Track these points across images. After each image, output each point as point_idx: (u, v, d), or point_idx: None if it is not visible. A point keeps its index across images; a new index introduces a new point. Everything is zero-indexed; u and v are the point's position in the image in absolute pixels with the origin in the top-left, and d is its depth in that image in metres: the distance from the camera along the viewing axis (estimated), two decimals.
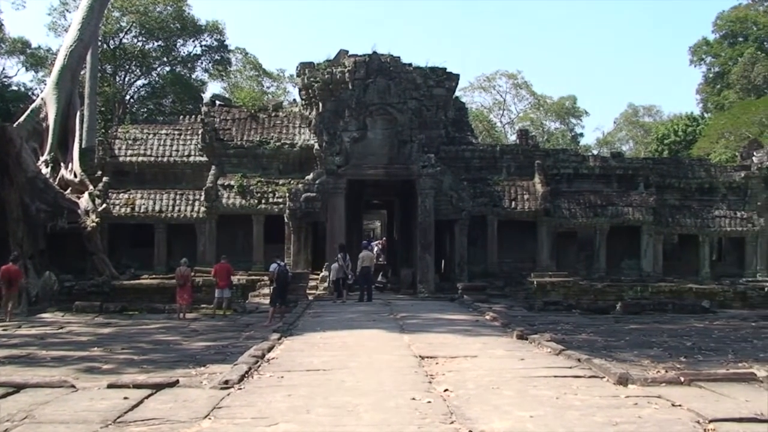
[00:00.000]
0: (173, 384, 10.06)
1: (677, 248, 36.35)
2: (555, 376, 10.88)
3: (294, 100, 44.87)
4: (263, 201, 33.26)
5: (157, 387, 9.81)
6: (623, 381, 10.16)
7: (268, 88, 69.02)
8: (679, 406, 8.71)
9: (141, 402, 8.98)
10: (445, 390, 9.82)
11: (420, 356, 13.06)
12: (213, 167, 34.04)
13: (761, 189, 36.00)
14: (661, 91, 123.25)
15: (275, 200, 33.09)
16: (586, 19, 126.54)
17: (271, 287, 23.41)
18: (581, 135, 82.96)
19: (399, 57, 31.89)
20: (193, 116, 38.64)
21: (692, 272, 34.55)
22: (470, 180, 33.68)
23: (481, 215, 33.07)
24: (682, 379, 10.31)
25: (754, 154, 39.17)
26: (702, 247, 35.24)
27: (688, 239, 35.75)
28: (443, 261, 33.89)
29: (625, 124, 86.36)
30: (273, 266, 23.28)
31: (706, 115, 71.19)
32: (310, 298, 27.47)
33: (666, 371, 11.97)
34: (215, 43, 58.76)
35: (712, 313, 26.44)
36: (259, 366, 11.94)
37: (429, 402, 9.04)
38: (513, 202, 33.73)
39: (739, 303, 29.50)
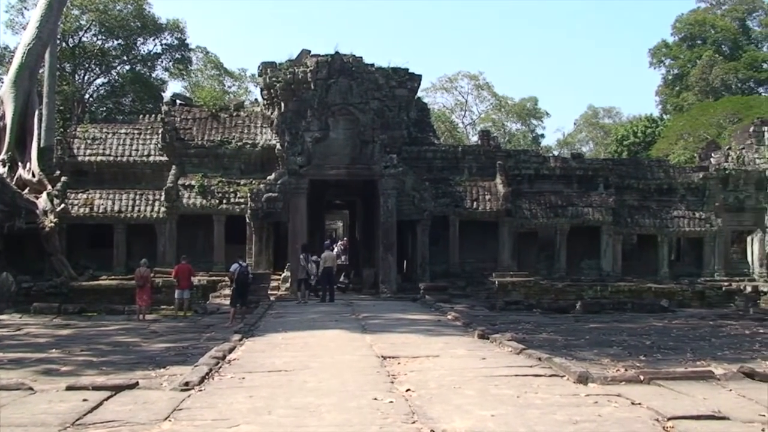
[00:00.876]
0: (133, 386, 9.96)
1: (636, 248, 36.77)
2: (516, 375, 10.94)
3: (256, 99, 44.67)
4: (224, 201, 33.03)
5: (117, 389, 9.70)
6: (583, 380, 10.25)
7: (229, 87, 68.63)
8: (639, 404, 8.80)
9: (100, 404, 8.88)
10: (407, 390, 9.83)
11: (382, 356, 13.07)
12: (173, 167, 33.74)
13: (719, 190, 36.54)
14: (620, 93, 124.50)
15: (236, 200, 32.88)
16: (547, 21, 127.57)
17: (232, 288, 23.30)
18: (542, 136, 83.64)
19: (361, 57, 31.86)
20: (154, 115, 38.28)
21: (651, 272, 34.96)
22: (432, 180, 33.75)
23: (443, 215, 33.16)
24: (642, 377, 10.42)
25: (712, 155, 39.76)
26: (661, 247, 35.67)
27: (647, 239, 36.17)
28: (405, 261, 33.92)
29: (586, 125, 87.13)
30: (234, 267, 23.18)
31: (665, 116, 72.09)
32: (272, 298, 27.37)
33: (625, 370, 12.10)
34: (176, 42, 58.25)
35: (671, 312, 26.79)
36: (220, 367, 11.87)
37: (391, 402, 9.05)
38: (475, 203, 33.86)
39: (698, 302, 29.93)
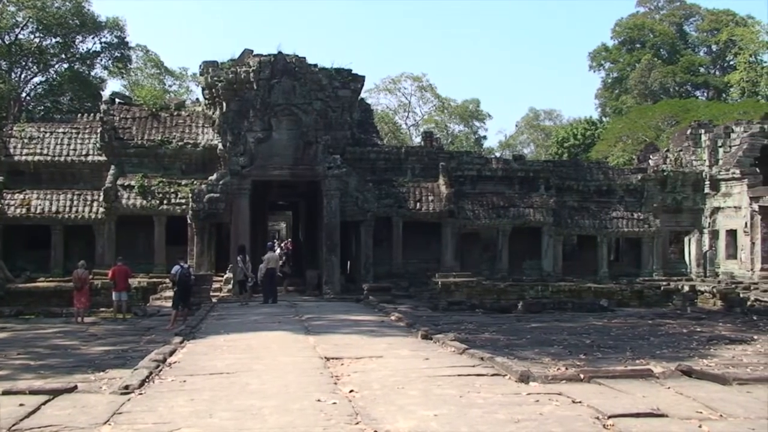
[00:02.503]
0: (71, 389, 9.78)
1: (577, 248, 37.28)
2: (459, 375, 10.99)
3: (197, 99, 44.22)
4: (165, 202, 32.62)
5: (55, 393, 9.52)
6: (525, 379, 10.33)
7: (170, 86, 67.76)
8: (579, 402, 8.91)
9: (38, 408, 8.69)
10: (351, 391, 9.82)
11: (325, 357, 13.03)
12: (112, 167, 33.21)
13: (657, 191, 37.23)
14: (561, 96, 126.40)
15: (177, 201, 32.49)
16: (490, 24, 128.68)
17: (174, 290, 23.06)
18: (484, 138, 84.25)
19: (304, 58, 31.74)
20: (92, 114, 37.57)
21: (591, 272, 35.47)
22: (376, 181, 33.78)
23: (387, 216, 33.21)
24: (582, 376, 10.55)
25: (650, 157, 40.57)
26: (600, 247, 36.21)
27: (587, 240, 36.69)
28: (349, 262, 33.90)
29: (527, 127, 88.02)
30: (175, 268, 22.92)
31: (604, 119, 73.23)
32: (214, 300, 27.10)
33: (566, 369, 12.24)
34: (115, 40, 57.28)
35: (611, 311, 27.19)
36: (161, 370, 11.71)
37: (334, 403, 9.03)
38: (418, 204, 33.97)
39: (636, 301, 30.41)
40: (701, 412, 8.48)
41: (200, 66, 33.81)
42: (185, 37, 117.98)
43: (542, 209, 35.01)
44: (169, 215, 32.49)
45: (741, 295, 29.07)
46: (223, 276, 30.22)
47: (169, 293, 25.65)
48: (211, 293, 28.01)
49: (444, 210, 33.65)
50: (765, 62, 66.01)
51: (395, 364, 12.32)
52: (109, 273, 26.28)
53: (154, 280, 30.44)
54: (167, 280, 27.40)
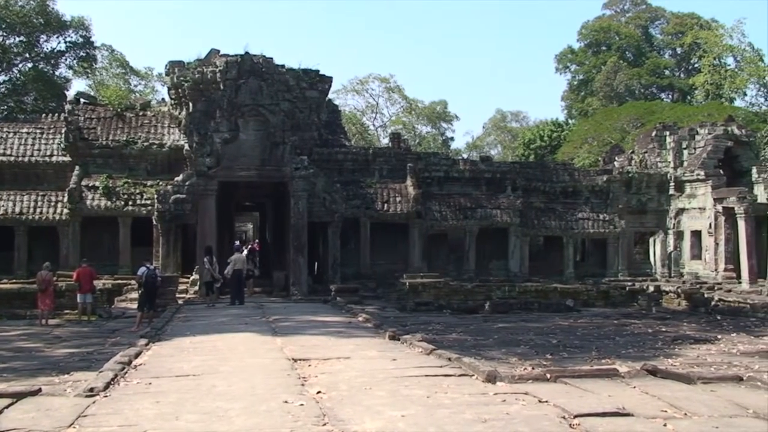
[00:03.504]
0: (35, 392, 9.68)
1: (543, 249, 37.51)
2: (426, 376, 11.01)
3: (163, 99, 43.88)
4: (130, 203, 32.34)
5: (19, 396, 9.42)
6: (492, 379, 10.37)
7: (135, 86, 67.08)
8: (546, 402, 8.96)
9: (1, 412, 8.58)
10: (318, 392, 9.80)
11: (293, 359, 12.99)
12: (77, 168, 32.88)
13: (622, 192, 37.58)
14: (528, 98, 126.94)
15: (143, 202, 32.23)
16: (457, 25, 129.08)
17: (139, 291, 22.85)
18: (452, 139, 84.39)
19: (272, 58, 31.61)
20: (57, 114, 37.18)
21: (557, 272, 35.70)
22: (343, 182, 33.76)
23: (354, 217, 33.20)
24: (548, 375, 10.61)
25: (616, 158, 40.94)
26: (566, 248, 36.48)
27: (553, 240, 36.93)
28: (316, 263, 33.83)
29: (494, 128, 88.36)
30: (141, 270, 22.71)
31: (570, 121, 73.69)
32: (180, 302, 26.90)
33: (533, 368, 12.30)
34: (80, 40, 56.67)
35: (576, 311, 27.36)
36: (126, 373, 11.61)
37: (302, 404, 9.00)
38: (385, 205, 34.00)
39: (602, 301, 30.58)
40: (666, 411, 8.56)
41: (166, 66, 33.52)
42: (151, 37, 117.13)
43: (509, 210, 35.20)
44: (135, 216, 32.21)
45: (705, 296, 29.37)
46: (189, 277, 30.02)
47: (135, 295, 25.42)
48: (177, 295, 27.80)
49: (411, 211, 33.70)
50: (729, 65, 66.84)
51: (363, 365, 12.30)
52: (74, 275, 25.94)
53: (120, 281, 30.11)
54: (133, 282, 27.13)
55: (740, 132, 37.86)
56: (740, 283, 32.77)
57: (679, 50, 75.87)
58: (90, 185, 32.47)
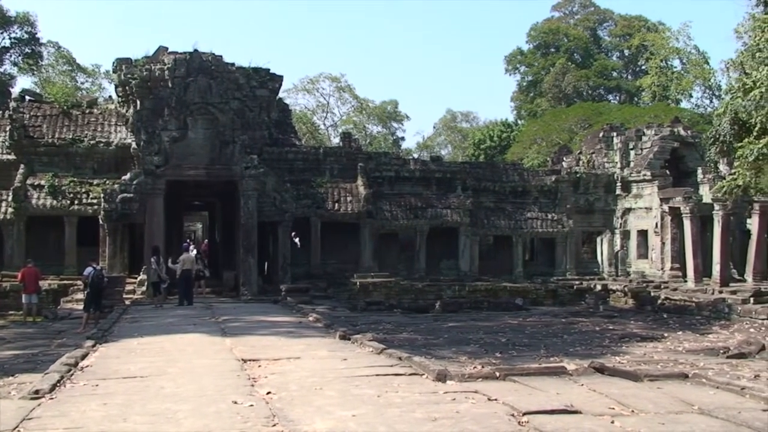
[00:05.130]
0: None
1: (492, 248, 37.75)
2: (377, 375, 11.00)
3: (110, 97, 43.31)
4: (76, 202, 31.81)
5: None
6: (442, 377, 10.40)
7: (82, 83, 66.10)
8: (495, 400, 9.00)
9: None
10: (268, 393, 9.73)
11: (242, 359, 12.89)
12: (22, 166, 32.25)
13: (570, 192, 38.01)
14: (478, 98, 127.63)
15: (89, 201, 31.72)
16: (408, 25, 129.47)
17: (85, 292, 22.52)
18: (402, 139, 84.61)
19: (221, 56, 31.37)
20: (1, 112, 36.44)
21: (507, 271, 35.98)
22: (294, 182, 33.62)
23: (305, 217, 33.09)
24: (498, 374, 10.67)
25: (564, 159, 41.40)
26: (515, 247, 36.78)
27: (503, 240, 37.20)
28: (267, 263, 33.63)
29: (444, 129, 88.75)
30: (88, 270, 22.41)
31: (519, 121, 74.35)
32: (128, 302, 26.53)
33: (482, 367, 12.36)
34: (26, 36, 55.74)
35: (525, 310, 27.61)
36: (72, 374, 11.42)
37: (251, 405, 8.93)
38: (336, 204, 33.94)
39: (550, 300, 30.93)
40: (614, 408, 8.66)
41: (114, 63, 33.06)
42: (98, 34, 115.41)
43: (459, 210, 35.37)
44: (81, 216, 31.69)
45: (652, 294, 29.84)
46: (136, 278, 29.64)
47: (81, 296, 25.01)
48: (125, 295, 27.41)
49: (362, 211, 33.70)
50: (675, 67, 68.00)
51: (313, 365, 12.26)
52: (19, 275, 25.52)
53: (65, 282, 29.64)
54: (79, 283, 26.75)
55: (686, 133, 38.53)
56: (686, 281, 33.34)
57: (626, 52, 77.06)
58: (35, 184, 31.89)
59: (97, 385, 10.49)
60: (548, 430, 7.63)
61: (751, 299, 25.69)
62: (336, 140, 65.98)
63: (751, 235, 33.47)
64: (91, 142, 32.94)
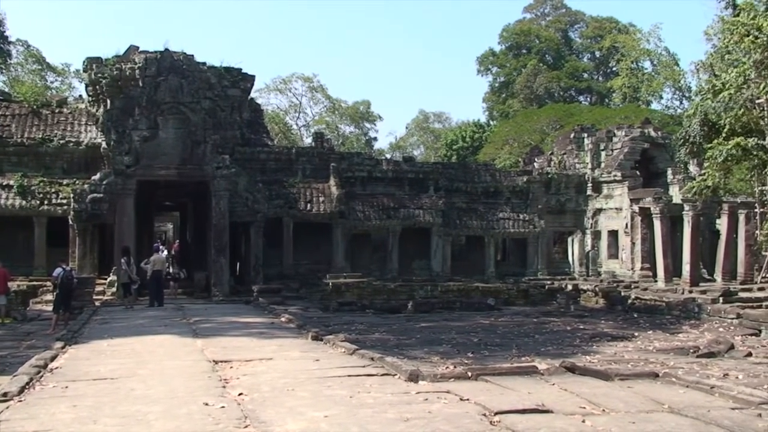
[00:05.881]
0: None
1: (465, 249, 37.87)
2: (349, 376, 10.99)
3: (80, 96, 42.85)
4: (46, 202, 31.49)
5: None
6: (414, 378, 10.40)
7: (51, 83, 65.40)
8: (467, 400, 9.02)
9: None
10: (240, 394, 9.68)
11: (214, 361, 12.81)
12: None
13: (542, 193, 38.21)
14: (450, 99, 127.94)
15: (59, 201, 31.42)
16: (381, 26, 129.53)
17: (55, 293, 22.30)
18: (375, 139, 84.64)
19: (192, 55, 31.23)
20: None
21: (479, 271, 36.10)
22: (266, 182, 33.50)
23: (277, 217, 32.98)
24: (470, 373, 10.69)
25: (536, 160, 41.64)
26: (487, 247, 36.91)
27: (475, 240, 37.32)
28: (238, 263, 33.48)
29: (417, 129, 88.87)
30: (57, 271, 22.20)
31: (491, 122, 74.63)
32: (98, 304, 26.31)
33: (454, 367, 12.38)
34: None
35: (497, 310, 27.72)
36: (42, 376, 11.29)
37: (223, 407, 8.88)
38: (309, 204, 33.87)
39: (522, 300, 31.07)
40: (585, 408, 8.70)
41: (84, 62, 32.81)
42: (68, 33, 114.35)
43: (431, 210, 35.44)
44: (50, 216, 31.38)
45: (622, 294, 30.07)
46: (106, 279, 29.40)
47: (50, 297, 24.77)
48: (95, 297, 27.18)
49: (335, 211, 33.65)
50: (646, 69, 68.62)
51: (285, 365, 12.22)
52: None
53: (35, 283, 29.34)
54: (48, 283, 26.49)
55: (656, 134, 38.87)
56: (656, 281, 33.62)
57: (597, 54, 77.62)
58: (4, 184, 31.53)
59: (66, 387, 10.39)
60: (520, 430, 7.66)
61: (721, 299, 25.95)
62: (308, 140, 65.87)
63: (720, 236, 33.81)
64: (61, 141, 32.63)
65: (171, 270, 29.18)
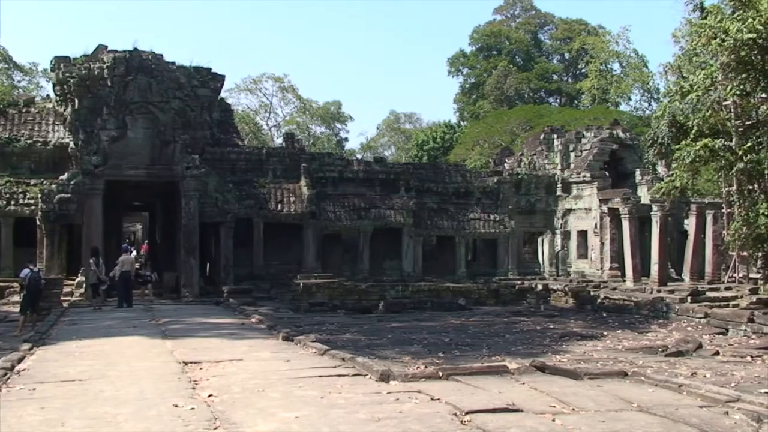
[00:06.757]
0: None
1: (436, 249, 37.94)
2: (320, 376, 10.97)
3: (48, 95, 42.39)
4: (12, 202, 31.09)
5: None
6: (385, 378, 10.41)
7: (19, 82, 64.70)
8: (438, 399, 9.04)
9: None
10: (210, 395, 9.63)
11: (183, 362, 12.73)
12: None
13: (512, 193, 38.40)
14: (421, 100, 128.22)
15: (26, 202, 31.05)
16: (352, 26, 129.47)
17: (22, 294, 22.05)
18: (346, 140, 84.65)
19: (162, 55, 31.04)
20: None
21: (450, 272, 36.19)
22: (236, 182, 33.36)
23: (248, 218, 32.84)
24: (441, 373, 10.71)
25: (506, 160, 41.84)
26: (458, 247, 37.01)
27: (446, 240, 37.40)
28: (209, 264, 33.30)
29: (388, 130, 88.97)
30: (24, 272, 21.94)
31: (462, 123, 74.87)
32: (66, 305, 26.04)
33: (425, 367, 12.39)
34: None
35: (468, 310, 27.76)
36: (8, 378, 11.15)
37: (192, 408, 8.83)
38: (279, 205, 33.77)
39: (493, 300, 31.14)
40: (555, 407, 8.75)
41: (51, 61, 32.46)
42: (36, 31, 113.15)
43: (402, 211, 35.48)
44: (18, 216, 30.99)
45: (591, 293, 30.23)
46: (74, 280, 29.11)
47: (17, 298, 24.51)
48: (63, 298, 26.92)
49: (306, 211, 33.58)
50: (614, 71, 69.18)
51: (256, 366, 12.17)
52: None
53: (1, 284, 29.01)
54: (15, 285, 26.20)
55: (625, 135, 39.21)
56: (624, 281, 33.88)
57: (567, 55, 78.14)
58: None
59: (34, 389, 10.28)
60: (490, 429, 7.68)
61: (689, 298, 26.17)
62: (279, 140, 65.69)
63: (688, 236, 34.12)
64: (28, 141, 32.27)
65: (144, 272, 28.88)
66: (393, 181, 36.60)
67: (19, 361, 12.88)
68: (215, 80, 33.05)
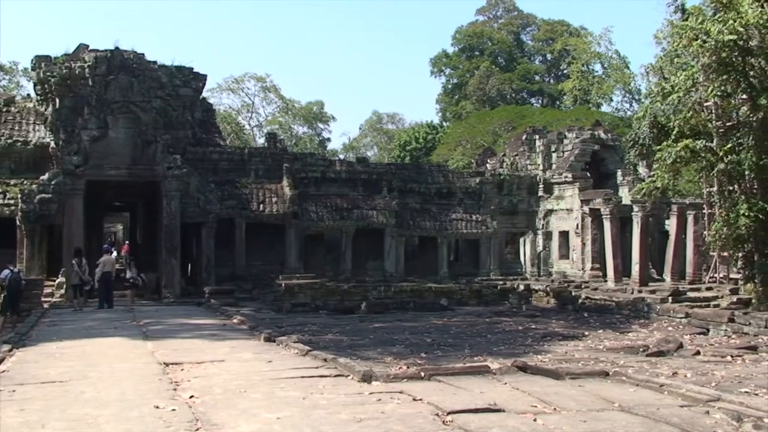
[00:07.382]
0: None
1: (418, 249, 37.98)
2: (302, 377, 10.94)
3: (28, 95, 42.13)
4: None
5: None
6: (367, 378, 10.40)
7: None
8: (420, 400, 9.03)
9: None
10: (191, 396, 9.59)
11: (165, 363, 12.67)
12: None
13: (494, 194, 38.51)
14: (403, 100, 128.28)
15: (6, 202, 30.83)
16: (334, 26, 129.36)
17: (2, 295, 21.91)
18: (328, 140, 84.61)
19: (143, 54, 30.92)
20: None
21: (432, 272, 36.24)
22: (218, 182, 33.27)
23: (230, 218, 32.76)
24: (423, 374, 10.71)
25: (488, 161, 41.96)
26: (441, 248, 37.06)
27: (428, 241, 37.45)
28: (190, 265, 33.18)
29: (370, 130, 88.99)
30: (4, 273, 21.84)
31: (445, 123, 74.98)
32: (46, 306, 25.90)
33: (407, 367, 12.38)
34: None
35: (450, 310, 27.81)
36: None
37: (174, 409, 8.78)
38: (261, 205, 33.70)
39: (475, 300, 31.23)
40: (536, 406, 8.77)
41: (32, 60, 32.28)
42: (16, 30, 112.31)
43: (385, 211, 35.49)
44: None
45: (573, 294, 30.38)
46: (55, 280, 28.93)
47: None
48: (43, 299, 26.78)
49: (288, 211, 33.53)
50: (596, 72, 69.50)
51: (237, 367, 12.13)
52: None
53: None
54: None
55: (606, 136, 39.40)
56: (606, 281, 34.02)
57: (549, 56, 78.39)
58: None
59: (14, 391, 10.20)
60: (472, 429, 7.69)
61: (670, 298, 26.33)
62: (261, 140, 65.54)
63: (669, 236, 34.30)
64: (9, 141, 32.04)
65: (131, 275, 28.54)
66: (375, 181, 36.62)
67: None
68: (197, 80, 32.96)
